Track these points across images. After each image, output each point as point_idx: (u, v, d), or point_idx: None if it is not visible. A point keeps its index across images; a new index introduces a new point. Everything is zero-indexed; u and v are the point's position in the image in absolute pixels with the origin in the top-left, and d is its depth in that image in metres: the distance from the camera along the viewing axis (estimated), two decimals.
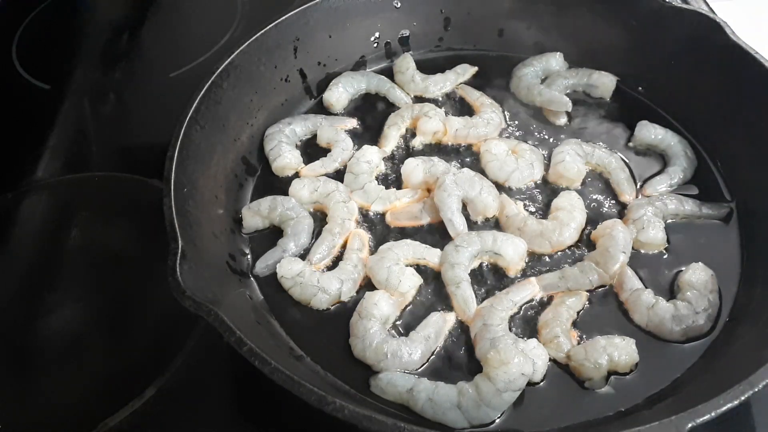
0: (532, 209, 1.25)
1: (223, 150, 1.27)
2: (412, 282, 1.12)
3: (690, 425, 0.75)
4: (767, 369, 0.80)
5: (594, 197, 1.26)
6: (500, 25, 1.56)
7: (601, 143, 1.34)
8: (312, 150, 1.40)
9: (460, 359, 1.05)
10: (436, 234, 1.22)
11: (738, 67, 1.21)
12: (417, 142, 1.38)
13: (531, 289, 1.11)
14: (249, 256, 1.21)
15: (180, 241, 0.96)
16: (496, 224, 1.23)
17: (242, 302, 1.10)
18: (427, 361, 1.04)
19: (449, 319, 1.09)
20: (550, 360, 1.01)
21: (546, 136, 1.38)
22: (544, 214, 1.23)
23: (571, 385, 1.00)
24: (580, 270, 1.11)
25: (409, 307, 1.12)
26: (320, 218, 1.26)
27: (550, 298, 1.11)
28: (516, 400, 0.96)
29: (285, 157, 1.33)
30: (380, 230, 1.24)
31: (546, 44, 1.52)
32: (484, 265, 1.17)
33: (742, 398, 0.78)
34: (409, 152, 1.37)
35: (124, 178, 1.42)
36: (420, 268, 1.16)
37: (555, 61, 1.49)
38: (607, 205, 1.25)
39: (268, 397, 1.04)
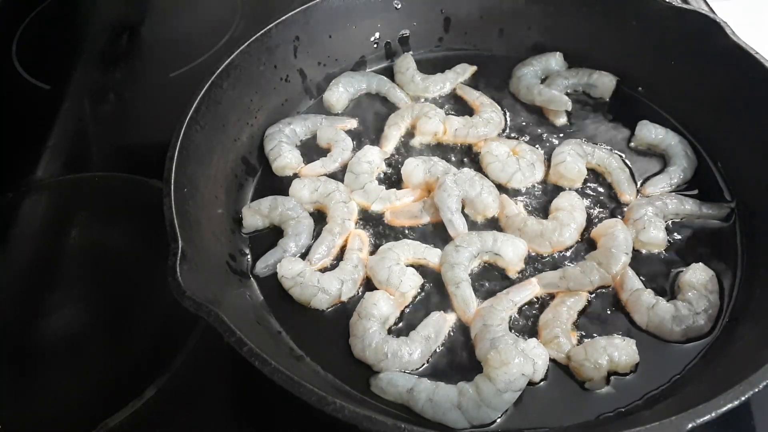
0: (533, 209, 1.25)
1: (223, 150, 1.27)
2: (413, 282, 1.12)
3: (690, 425, 0.75)
4: (767, 369, 0.80)
5: (594, 197, 1.26)
6: (500, 25, 1.56)
7: (601, 143, 1.35)
8: (312, 150, 1.40)
9: (460, 359, 1.05)
10: (436, 234, 1.22)
11: (738, 67, 1.21)
12: (417, 142, 1.38)
13: (531, 289, 1.11)
14: (249, 256, 1.21)
15: (180, 241, 0.96)
16: (496, 224, 1.23)
17: (242, 302, 1.10)
18: (427, 361, 1.04)
19: (449, 319, 1.09)
20: (550, 360, 1.01)
21: (546, 136, 1.38)
22: (544, 214, 1.23)
23: (571, 385, 1.00)
24: (582, 270, 1.11)
25: (409, 307, 1.12)
26: (320, 218, 1.26)
27: (551, 298, 1.11)
28: (516, 400, 0.96)
29: (285, 157, 1.33)
30: (380, 230, 1.24)
31: (546, 44, 1.52)
32: (484, 265, 1.17)
33: (742, 398, 0.77)
34: (408, 152, 1.37)
35: (124, 178, 1.42)
36: (420, 268, 1.16)
37: (555, 61, 1.49)
38: (607, 205, 1.25)
39: (268, 397, 1.04)
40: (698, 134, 1.33)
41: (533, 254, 1.17)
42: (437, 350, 1.06)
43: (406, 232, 1.23)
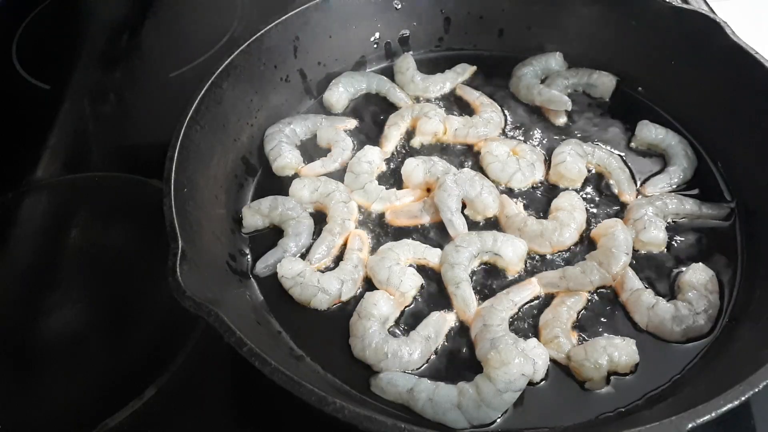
0: (533, 209, 1.25)
1: (223, 150, 1.27)
2: (413, 282, 1.12)
3: (690, 425, 0.75)
4: (767, 369, 0.80)
5: (594, 197, 1.26)
6: (500, 25, 1.56)
7: (601, 143, 1.35)
8: (312, 150, 1.40)
9: (460, 359, 1.05)
10: (436, 234, 1.22)
11: (738, 67, 1.21)
12: (417, 142, 1.38)
13: (531, 289, 1.11)
14: (249, 256, 1.21)
15: (180, 242, 0.96)
16: (496, 224, 1.23)
17: (242, 302, 1.10)
18: (428, 361, 1.04)
19: (449, 319, 1.09)
20: (550, 360, 1.01)
21: (546, 136, 1.38)
22: (544, 214, 1.23)
23: (571, 385, 1.00)
24: (582, 270, 1.11)
25: (409, 307, 1.12)
26: (320, 218, 1.26)
27: (551, 298, 1.11)
28: (516, 400, 0.96)
29: (285, 157, 1.33)
30: (380, 230, 1.24)
31: (546, 44, 1.52)
32: (484, 265, 1.17)
33: (742, 398, 0.77)
34: (408, 152, 1.37)
35: (124, 178, 1.42)
36: (420, 268, 1.16)
37: (555, 60, 1.49)
38: (607, 205, 1.25)
39: (268, 398, 1.04)
40: (698, 134, 1.33)
41: (533, 254, 1.17)
42: (437, 350, 1.06)
43: (406, 231, 1.23)
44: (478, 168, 1.31)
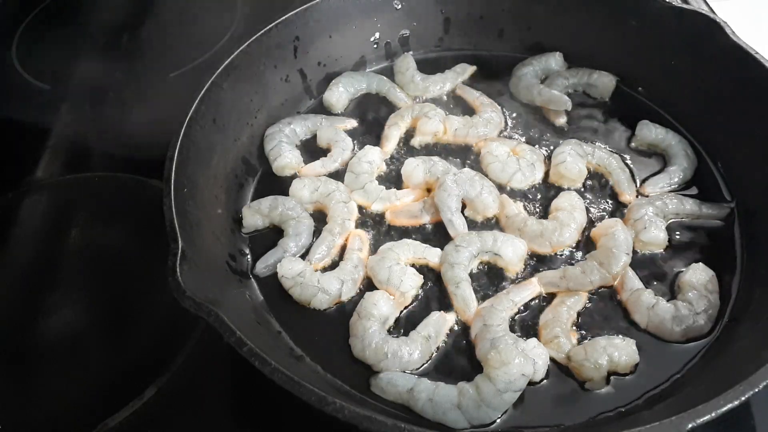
0: (533, 209, 1.25)
1: (223, 150, 1.27)
2: (413, 281, 1.12)
3: (690, 425, 0.75)
4: (767, 369, 0.80)
5: (594, 197, 1.26)
6: (500, 25, 1.56)
7: (601, 143, 1.35)
8: (312, 150, 1.40)
9: (460, 359, 1.05)
10: (436, 234, 1.22)
11: (738, 67, 1.21)
12: (417, 142, 1.38)
13: (531, 289, 1.11)
14: (249, 256, 1.21)
15: (180, 242, 0.96)
16: (496, 224, 1.23)
17: (242, 302, 1.11)
18: (427, 361, 1.04)
19: (449, 319, 1.09)
20: (550, 360, 1.01)
21: (546, 136, 1.38)
22: (544, 214, 1.23)
23: (571, 385, 1.00)
24: (582, 270, 1.11)
25: (409, 307, 1.12)
26: (320, 218, 1.26)
27: (551, 298, 1.11)
28: (516, 400, 0.96)
29: (285, 157, 1.33)
30: (380, 230, 1.24)
31: (546, 44, 1.52)
32: (485, 265, 1.17)
33: (742, 398, 0.78)
34: (409, 152, 1.37)
35: (124, 178, 1.42)
36: (420, 268, 1.16)
37: (554, 60, 1.49)
38: (607, 205, 1.25)
39: (268, 398, 1.04)
40: (698, 134, 1.33)
41: (533, 254, 1.17)
42: (437, 350, 1.06)
43: (406, 231, 1.23)
44: (478, 168, 1.31)
